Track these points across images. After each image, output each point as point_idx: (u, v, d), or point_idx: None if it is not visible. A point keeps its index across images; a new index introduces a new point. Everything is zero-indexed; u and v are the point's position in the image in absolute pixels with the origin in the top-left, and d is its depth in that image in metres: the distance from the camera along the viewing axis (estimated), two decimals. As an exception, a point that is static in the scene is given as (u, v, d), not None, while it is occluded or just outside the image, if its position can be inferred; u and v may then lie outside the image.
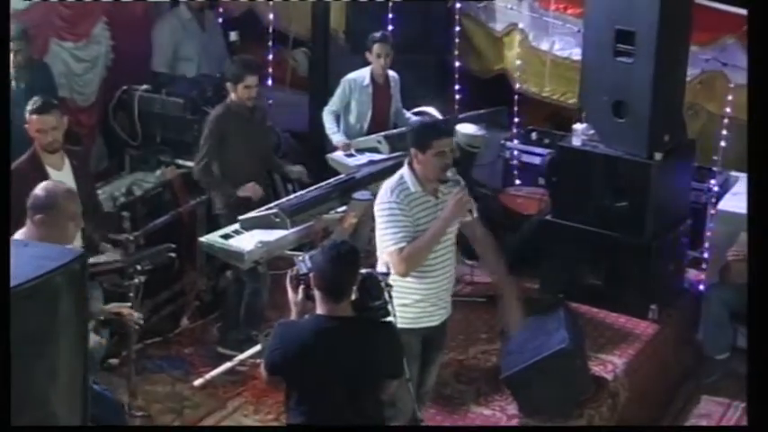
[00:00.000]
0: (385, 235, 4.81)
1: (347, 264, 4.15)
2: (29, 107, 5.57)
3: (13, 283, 2.98)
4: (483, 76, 8.65)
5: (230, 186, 6.39)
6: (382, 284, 4.32)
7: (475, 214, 4.94)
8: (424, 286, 4.91)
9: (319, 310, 4.18)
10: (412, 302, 4.90)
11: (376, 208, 4.91)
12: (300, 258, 4.30)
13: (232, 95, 6.43)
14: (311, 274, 4.17)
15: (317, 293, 4.16)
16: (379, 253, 4.94)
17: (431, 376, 5.27)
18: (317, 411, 4.19)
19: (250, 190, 6.37)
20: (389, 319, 4.35)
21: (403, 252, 4.74)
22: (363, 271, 4.29)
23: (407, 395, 4.57)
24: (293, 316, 4.30)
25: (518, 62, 8.30)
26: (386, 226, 4.81)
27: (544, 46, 8.20)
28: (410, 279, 4.87)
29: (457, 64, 8.44)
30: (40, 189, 4.65)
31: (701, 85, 7.59)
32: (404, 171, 4.90)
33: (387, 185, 4.92)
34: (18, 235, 4.44)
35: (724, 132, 7.37)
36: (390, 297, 4.34)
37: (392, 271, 4.64)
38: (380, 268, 4.67)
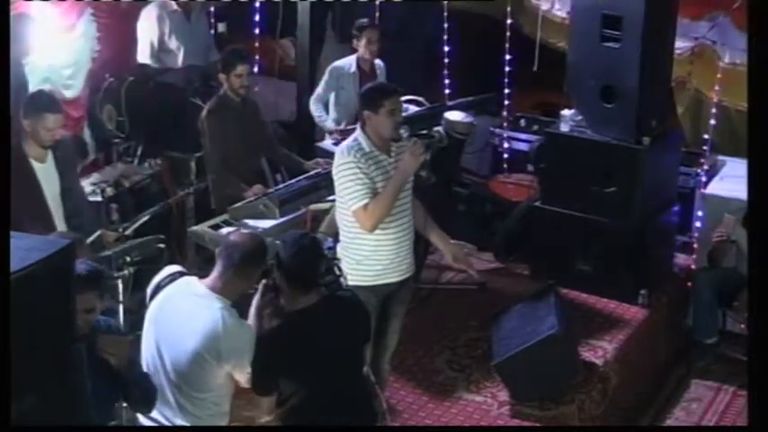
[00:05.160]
0: (348, 194, 4.99)
1: (312, 255, 4.25)
2: (35, 105, 5.41)
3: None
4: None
5: (238, 184, 6.33)
6: (330, 259, 4.39)
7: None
8: (382, 238, 5.06)
9: (288, 304, 4.22)
10: (369, 255, 5.06)
11: (335, 171, 5.10)
12: None
13: (224, 85, 6.46)
14: (276, 271, 4.21)
15: (283, 287, 4.22)
16: (338, 216, 5.12)
17: (392, 330, 5.38)
18: (309, 401, 4.22)
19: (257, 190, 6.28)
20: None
21: (368, 207, 4.94)
22: None
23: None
24: (253, 309, 4.30)
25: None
26: (347, 185, 4.99)
27: (544, 6, 8.12)
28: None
29: (446, 48, 8.40)
30: (233, 254, 4.19)
31: (691, 65, 7.54)
32: (357, 134, 5.10)
33: (341, 149, 5.12)
34: (208, 282, 4.24)
35: (713, 111, 7.34)
36: (340, 270, 4.45)
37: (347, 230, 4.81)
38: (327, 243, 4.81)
